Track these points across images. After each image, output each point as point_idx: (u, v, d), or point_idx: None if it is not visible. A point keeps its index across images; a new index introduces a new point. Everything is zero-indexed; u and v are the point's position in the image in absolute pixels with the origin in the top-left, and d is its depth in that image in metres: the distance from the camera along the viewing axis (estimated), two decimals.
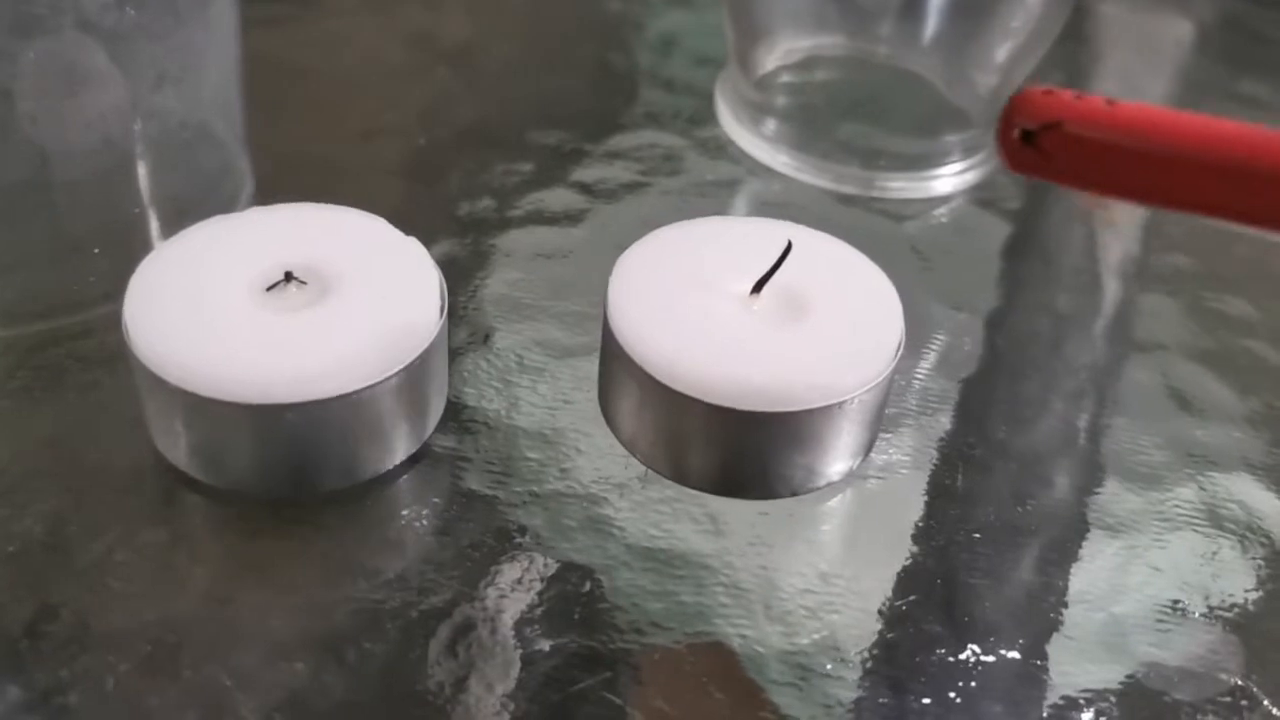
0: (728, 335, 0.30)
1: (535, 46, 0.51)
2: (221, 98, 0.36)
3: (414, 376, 0.29)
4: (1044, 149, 0.19)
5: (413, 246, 0.32)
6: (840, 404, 0.29)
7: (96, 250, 0.34)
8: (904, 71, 0.46)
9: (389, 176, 0.42)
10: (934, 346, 0.37)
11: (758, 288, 0.31)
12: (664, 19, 0.54)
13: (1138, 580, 0.31)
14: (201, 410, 0.28)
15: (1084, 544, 0.32)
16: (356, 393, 0.28)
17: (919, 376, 0.36)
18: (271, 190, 0.39)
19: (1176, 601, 0.30)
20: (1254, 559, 0.32)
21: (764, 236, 0.32)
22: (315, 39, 0.50)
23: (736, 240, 0.33)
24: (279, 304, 0.30)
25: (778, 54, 0.46)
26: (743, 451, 0.30)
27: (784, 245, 0.31)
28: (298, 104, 0.46)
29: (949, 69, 0.45)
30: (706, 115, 0.46)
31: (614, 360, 0.30)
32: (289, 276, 0.30)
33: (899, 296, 0.32)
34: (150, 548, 0.29)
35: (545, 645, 0.28)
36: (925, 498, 0.32)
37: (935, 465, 0.33)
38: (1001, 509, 0.32)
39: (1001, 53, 0.42)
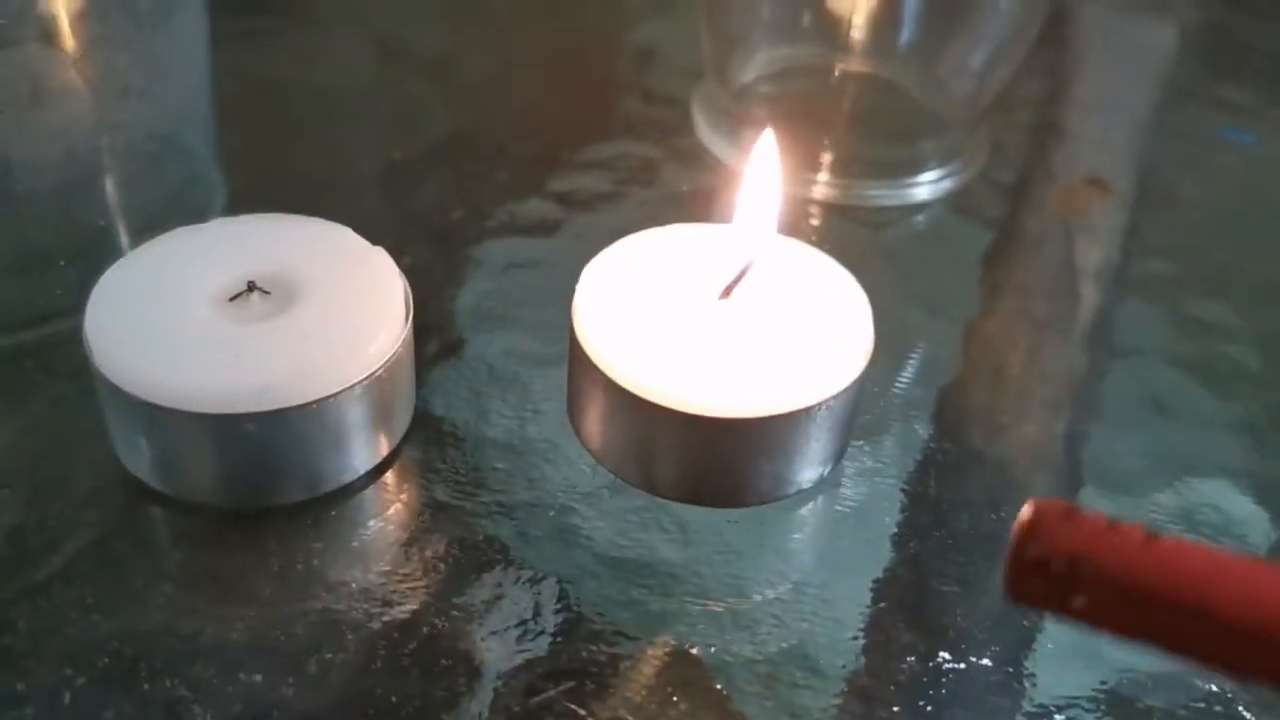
0: (695, 342, 0.30)
1: (511, 58, 0.51)
2: (190, 110, 0.36)
3: (378, 386, 0.29)
4: (1060, 581, 0.16)
5: (379, 256, 0.32)
6: (808, 410, 0.29)
7: (62, 262, 0.34)
8: (880, 79, 0.45)
9: (363, 188, 0.42)
10: (910, 353, 0.37)
11: (725, 294, 0.31)
12: (642, 30, 0.53)
13: None
14: (162, 421, 0.28)
15: None
16: (318, 402, 0.28)
17: (894, 383, 0.36)
18: (244, 203, 0.38)
19: None
20: None
21: (734, 243, 0.32)
22: (290, 52, 0.50)
23: (706, 247, 0.32)
24: (242, 314, 0.29)
25: (755, 64, 0.46)
26: (711, 459, 0.29)
27: (754, 251, 0.31)
28: (272, 117, 0.45)
29: (924, 76, 0.45)
30: (683, 125, 0.46)
31: (581, 368, 0.30)
32: (252, 286, 0.30)
33: (874, 304, 0.32)
34: (110, 560, 0.28)
35: (511, 655, 0.27)
36: (898, 505, 0.32)
37: (909, 472, 0.33)
38: (976, 517, 0.32)
39: (977, 59, 0.42)
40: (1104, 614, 0.16)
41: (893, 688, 0.28)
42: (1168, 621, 0.15)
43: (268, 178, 0.42)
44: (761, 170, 0.32)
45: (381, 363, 0.29)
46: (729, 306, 0.31)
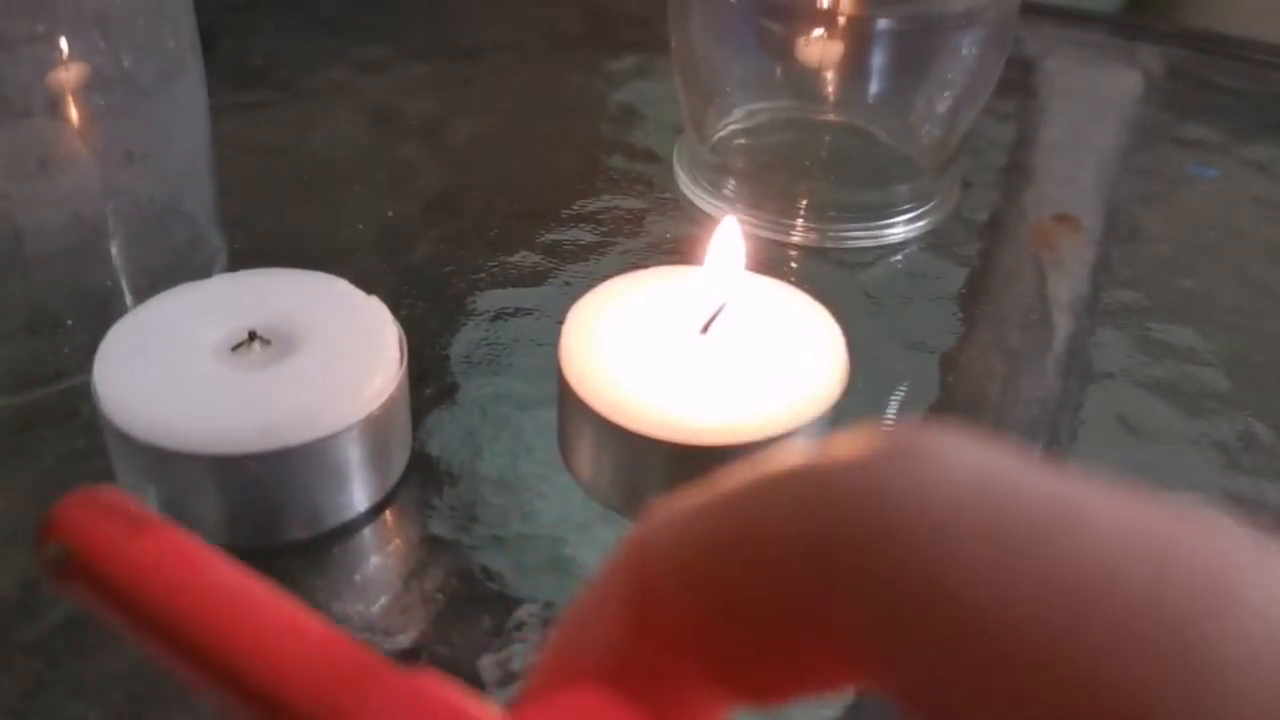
0: (676, 376, 0.31)
1: (499, 120, 0.53)
2: (191, 174, 0.38)
3: (375, 426, 0.30)
4: (56, 565, 0.15)
5: (373, 304, 0.33)
6: (787, 437, 0.30)
7: (70, 322, 0.35)
8: (852, 127, 0.47)
9: (358, 246, 0.44)
10: (890, 385, 0.38)
11: (705, 330, 0.32)
12: (624, 89, 0.55)
13: None
14: (168, 464, 0.29)
15: None
16: (318, 441, 0.29)
17: (875, 413, 0.37)
18: (245, 263, 0.40)
19: None
20: None
21: (713, 283, 0.33)
22: (288, 120, 0.51)
23: (686, 287, 0.34)
24: (243, 362, 0.31)
25: (731, 118, 0.48)
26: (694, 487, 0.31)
27: (732, 290, 0.32)
28: (271, 181, 0.47)
29: (894, 122, 0.46)
30: (665, 178, 0.48)
31: (569, 405, 0.31)
32: (252, 336, 0.31)
33: (854, 340, 0.33)
34: None
35: (510, 682, 0.28)
36: None
37: None
38: None
39: (942, 104, 0.44)
40: (97, 602, 0.15)
41: (880, 699, 0.28)
42: (132, 617, 0.14)
43: (267, 239, 0.43)
44: (728, 237, 0.33)
45: (378, 404, 0.30)
46: (708, 341, 0.32)
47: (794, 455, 0.12)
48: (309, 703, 0.13)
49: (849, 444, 0.12)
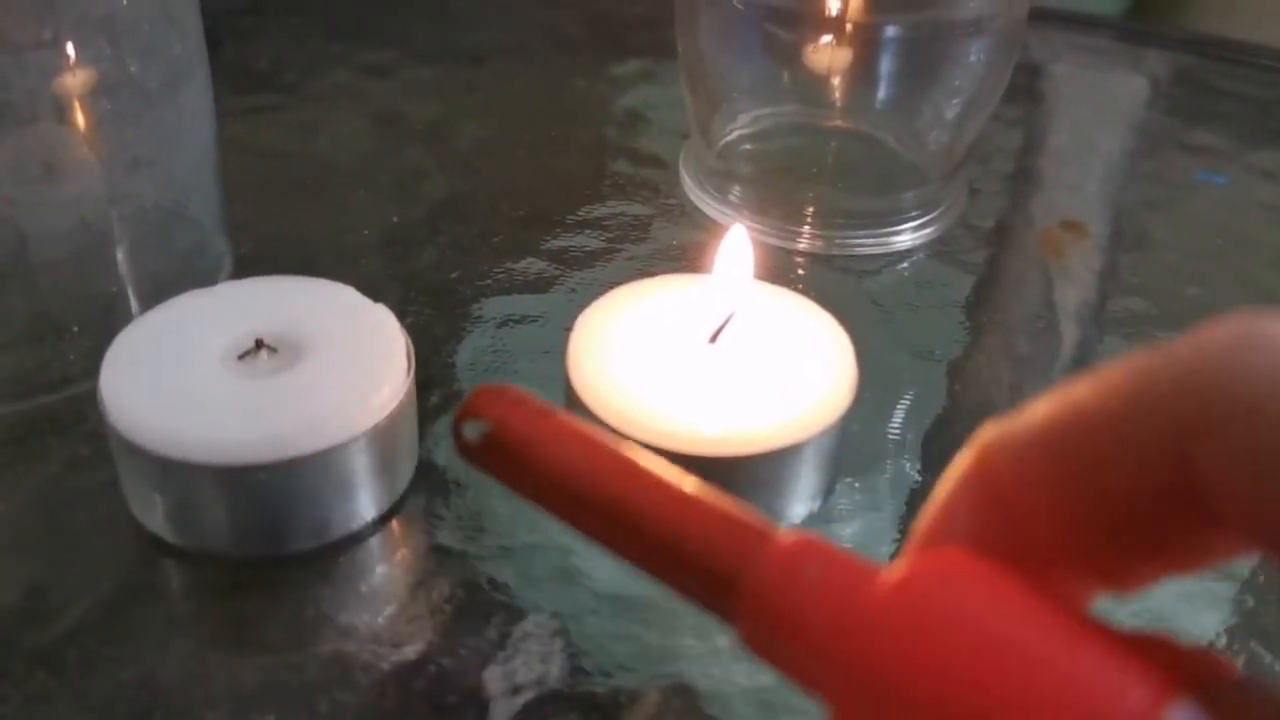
0: (685, 385, 0.31)
1: (504, 125, 0.53)
2: (197, 179, 0.38)
3: (382, 436, 0.30)
4: (478, 445, 0.18)
5: (380, 313, 0.33)
6: (797, 447, 0.30)
7: (76, 328, 0.35)
8: (859, 133, 0.47)
9: (364, 252, 0.43)
10: (898, 393, 0.38)
11: (713, 339, 0.32)
12: (630, 94, 0.55)
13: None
14: (175, 474, 0.29)
15: None
16: (325, 452, 0.29)
17: (882, 421, 0.37)
18: (251, 269, 0.40)
19: None
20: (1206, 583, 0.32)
21: (720, 291, 0.33)
22: (293, 124, 0.51)
23: (693, 295, 0.34)
24: (250, 370, 0.31)
25: (737, 124, 0.48)
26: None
27: (740, 299, 0.32)
28: (276, 186, 0.47)
29: (901, 129, 0.46)
30: (672, 184, 0.48)
31: (576, 414, 0.31)
32: (259, 344, 0.31)
33: (862, 348, 0.33)
34: (126, 612, 0.29)
35: (516, 691, 0.28)
36: (889, 537, 0.33)
37: (898, 506, 0.34)
38: None
39: (950, 110, 0.44)
40: (512, 477, 0.18)
41: None
42: (548, 488, 0.17)
43: (273, 244, 0.43)
44: (737, 246, 0.33)
45: (386, 413, 0.30)
46: (717, 351, 0.32)
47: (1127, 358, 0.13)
48: (708, 558, 0.15)
49: (1186, 337, 0.13)
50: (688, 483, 0.17)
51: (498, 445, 0.18)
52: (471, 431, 0.18)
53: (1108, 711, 0.12)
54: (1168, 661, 0.13)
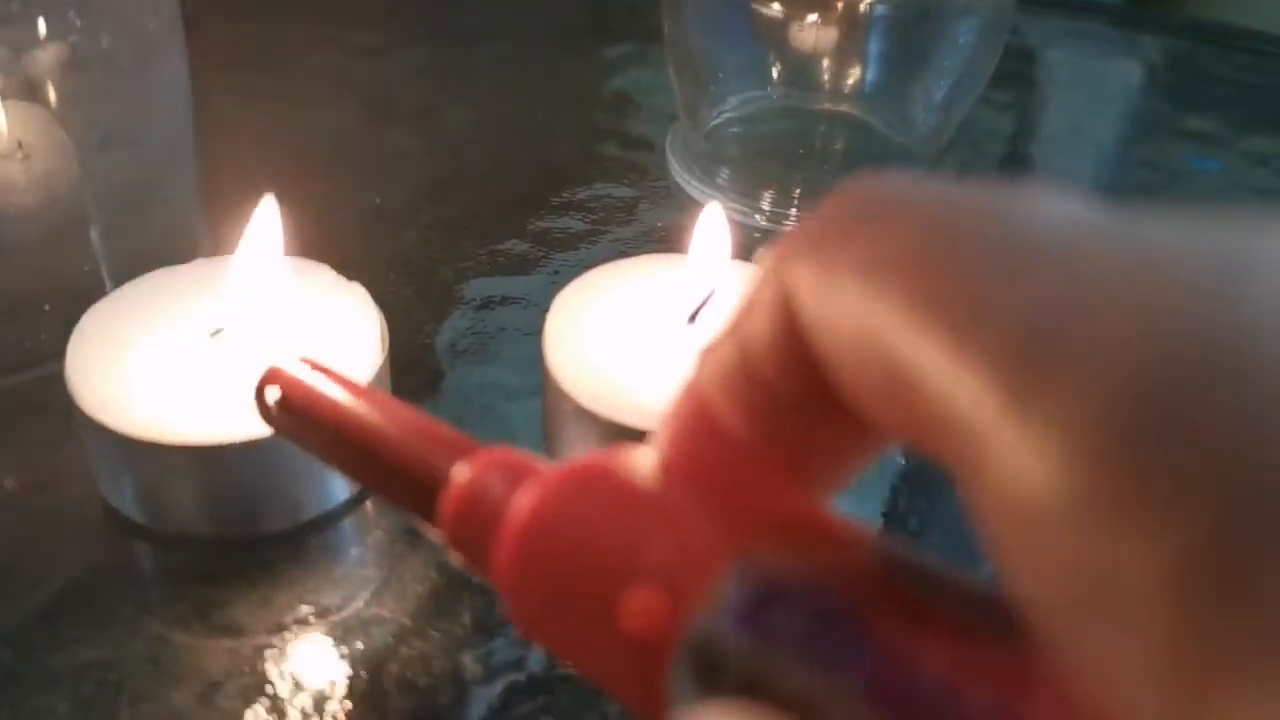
0: (660, 365, 0.30)
1: (491, 106, 0.52)
2: (173, 158, 0.37)
3: None
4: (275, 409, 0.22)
5: (356, 291, 0.32)
6: None
7: (48, 307, 0.34)
8: (846, 116, 0.47)
9: (345, 233, 0.43)
10: None
11: (693, 319, 0.32)
12: (618, 77, 0.55)
13: None
14: (143, 455, 0.28)
15: None
16: None
17: None
18: (229, 248, 0.39)
19: None
20: None
21: (699, 271, 0.33)
22: (277, 105, 0.51)
23: (672, 276, 0.33)
24: (221, 349, 0.30)
25: (725, 106, 0.47)
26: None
27: (719, 278, 0.32)
28: (258, 166, 0.46)
29: (889, 112, 0.46)
30: (659, 167, 0.47)
31: (552, 395, 0.31)
32: (229, 322, 0.31)
33: None
34: (95, 593, 0.29)
35: (490, 673, 0.28)
36: (874, 521, 0.32)
37: (883, 490, 0.33)
38: (951, 532, 0.32)
39: (938, 92, 0.43)
40: (297, 433, 0.21)
41: None
42: (318, 434, 0.21)
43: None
44: (713, 224, 0.33)
45: None
46: (697, 330, 0.31)
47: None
48: (417, 469, 0.18)
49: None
50: (414, 415, 0.20)
51: (286, 407, 0.21)
52: (269, 397, 0.22)
53: (695, 557, 0.14)
54: (791, 524, 0.14)
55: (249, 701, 0.27)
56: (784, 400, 0.14)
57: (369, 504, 0.32)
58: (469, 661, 0.28)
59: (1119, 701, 0.09)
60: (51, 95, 0.32)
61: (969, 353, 0.10)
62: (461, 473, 0.17)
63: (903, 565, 0.13)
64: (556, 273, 0.41)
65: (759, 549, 0.14)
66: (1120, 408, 0.09)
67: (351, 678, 0.27)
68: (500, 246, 0.42)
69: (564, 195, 0.45)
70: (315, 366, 0.22)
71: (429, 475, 0.18)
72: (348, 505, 0.31)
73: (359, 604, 0.29)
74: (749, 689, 0.12)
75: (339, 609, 0.29)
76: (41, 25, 0.31)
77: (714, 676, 0.13)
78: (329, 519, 0.31)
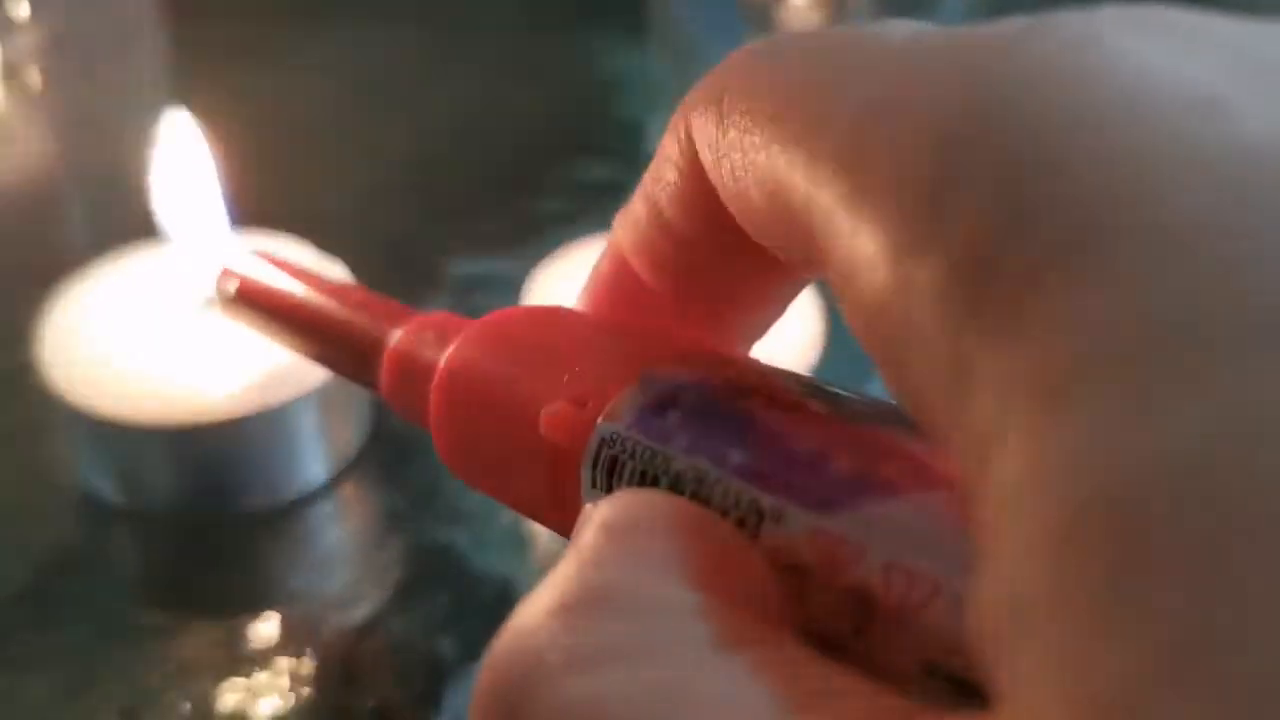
0: None
1: (483, 88, 0.52)
2: (150, 139, 0.37)
3: (331, 396, 0.30)
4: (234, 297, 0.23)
5: (334, 269, 0.32)
6: None
7: (23, 287, 0.34)
8: None
9: (329, 214, 0.43)
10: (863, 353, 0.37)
11: None
12: (612, 59, 0.54)
13: None
14: (119, 436, 0.28)
15: None
16: (271, 411, 0.28)
17: (854, 380, 0.36)
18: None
19: None
20: None
21: None
22: (263, 87, 0.50)
23: None
24: (196, 329, 0.30)
25: None
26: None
27: None
28: (244, 150, 0.46)
29: None
30: (648, 150, 0.47)
31: None
32: (206, 301, 0.30)
33: (827, 303, 0.32)
34: (72, 575, 0.29)
35: (468, 655, 0.28)
36: None
37: None
38: None
39: None
40: (252, 316, 0.22)
41: None
42: (271, 315, 0.22)
43: (234, 206, 0.42)
44: None
45: None
46: None
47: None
48: (357, 334, 0.19)
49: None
50: (357, 291, 0.21)
51: (241, 295, 0.22)
52: (227, 285, 0.23)
53: (605, 377, 0.15)
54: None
55: (226, 681, 0.27)
56: (695, 250, 0.15)
57: (347, 486, 0.31)
58: (447, 644, 0.28)
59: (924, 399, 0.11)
60: (27, 77, 0.32)
61: (817, 159, 0.12)
62: (395, 336, 0.18)
63: (793, 377, 0.15)
64: (540, 254, 0.41)
65: (662, 367, 0.15)
66: (918, 162, 0.10)
67: (329, 659, 0.27)
68: (484, 228, 0.42)
69: (549, 178, 0.45)
70: (268, 259, 0.23)
71: (370, 342, 0.19)
72: (326, 488, 0.31)
73: (337, 585, 0.29)
74: (642, 480, 0.14)
75: (318, 590, 0.29)
76: (24, 8, 0.31)
77: (615, 476, 0.14)
78: (307, 501, 0.31)
